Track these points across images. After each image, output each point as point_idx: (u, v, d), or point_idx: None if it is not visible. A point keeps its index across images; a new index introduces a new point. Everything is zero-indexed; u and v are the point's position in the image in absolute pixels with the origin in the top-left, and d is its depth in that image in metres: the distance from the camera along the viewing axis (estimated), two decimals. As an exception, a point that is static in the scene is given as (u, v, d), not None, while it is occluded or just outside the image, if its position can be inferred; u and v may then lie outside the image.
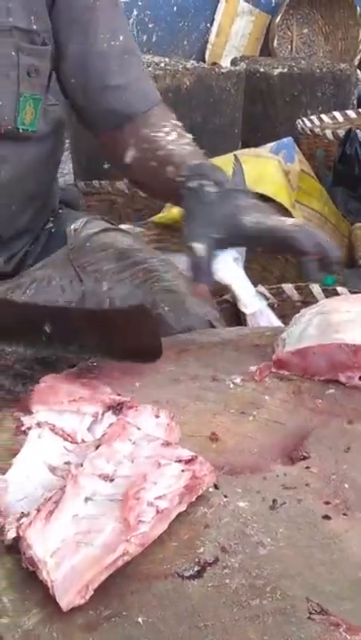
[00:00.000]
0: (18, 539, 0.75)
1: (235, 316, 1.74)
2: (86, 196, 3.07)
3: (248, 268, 1.96)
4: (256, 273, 2.23)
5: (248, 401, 1.00)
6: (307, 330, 1.02)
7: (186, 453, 0.83)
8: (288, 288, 1.88)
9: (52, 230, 1.50)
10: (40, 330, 1.05)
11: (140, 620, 0.70)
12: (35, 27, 1.29)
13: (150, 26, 5.92)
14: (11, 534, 0.75)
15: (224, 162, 1.68)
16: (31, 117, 1.33)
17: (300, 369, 1.03)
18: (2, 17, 1.25)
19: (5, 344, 1.11)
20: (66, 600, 0.69)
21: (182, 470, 0.80)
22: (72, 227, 1.47)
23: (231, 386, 1.03)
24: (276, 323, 1.64)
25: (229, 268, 1.74)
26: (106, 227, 1.48)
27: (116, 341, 1.05)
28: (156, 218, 2.49)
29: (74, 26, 1.33)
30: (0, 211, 1.35)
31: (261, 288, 1.88)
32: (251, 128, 4.13)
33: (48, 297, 1.35)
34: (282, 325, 1.39)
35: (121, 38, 1.37)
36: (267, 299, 1.84)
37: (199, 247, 1.06)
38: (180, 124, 1.36)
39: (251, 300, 1.71)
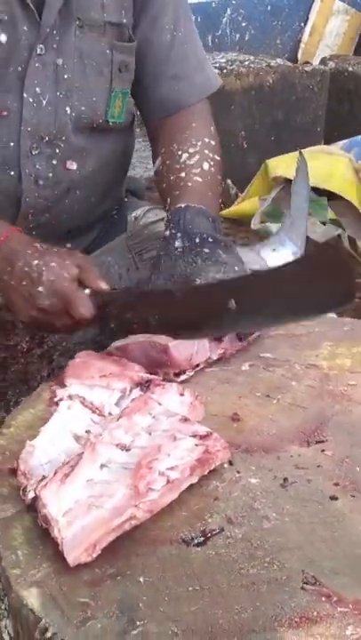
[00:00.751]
0: (36, 498, 0.80)
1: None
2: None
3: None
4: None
5: (275, 385, 1.02)
6: None
7: (202, 429, 0.86)
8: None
9: (115, 217, 1.55)
10: (224, 308, 1.01)
11: (141, 579, 0.74)
12: (124, 20, 1.35)
13: (243, 25, 5.94)
14: (30, 494, 0.81)
15: (293, 158, 1.70)
16: (119, 111, 1.39)
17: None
18: (97, 13, 1.31)
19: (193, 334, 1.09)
20: (73, 556, 0.74)
21: (196, 445, 0.84)
22: (133, 214, 1.52)
23: (261, 370, 1.06)
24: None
25: (288, 261, 1.76)
26: (165, 216, 1.53)
27: (308, 296, 0.98)
28: (224, 212, 2.53)
29: (143, 16, 1.38)
30: (82, 202, 1.41)
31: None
32: (335, 127, 4.10)
33: None
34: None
35: (183, 29, 1.42)
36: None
37: None
38: (213, 141, 1.39)
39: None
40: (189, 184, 1.32)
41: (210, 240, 1.17)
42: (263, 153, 3.41)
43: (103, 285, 1.12)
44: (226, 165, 3.96)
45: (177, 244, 1.17)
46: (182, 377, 1.05)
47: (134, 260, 1.42)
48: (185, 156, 1.36)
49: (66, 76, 1.29)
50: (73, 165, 1.35)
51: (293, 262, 1.06)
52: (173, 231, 1.19)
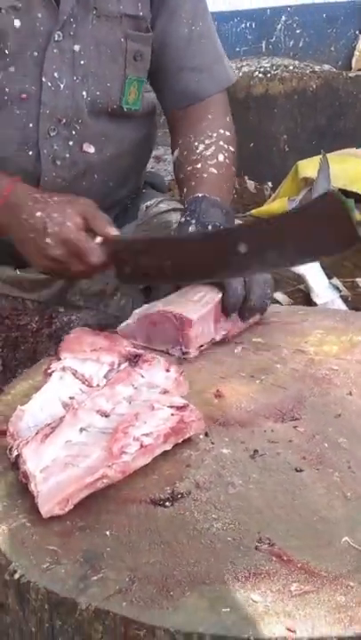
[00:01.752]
0: (19, 456, 0.86)
1: (307, 305, 1.80)
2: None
3: (341, 265, 2.01)
4: (348, 271, 2.26)
5: (261, 367, 1.07)
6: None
7: (179, 401, 0.92)
8: (362, 282, 1.93)
9: (129, 205, 1.61)
10: (235, 252, 1.08)
11: (107, 533, 0.80)
12: (141, 13, 1.41)
13: (298, 32, 5.98)
14: (15, 453, 0.87)
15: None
16: (134, 97, 1.45)
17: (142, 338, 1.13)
18: (113, 5, 1.37)
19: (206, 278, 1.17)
20: (46, 508, 0.80)
21: (172, 414, 0.89)
22: (145, 204, 1.58)
23: (250, 354, 1.11)
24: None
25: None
26: (175, 207, 1.58)
27: (313, 239, 1.05)
28: (254, 211, 2.58)
29: (163, 9, 1.44)
30: (100, 186, 1.47)
31: (336, 280, 1.94)
32: (377, 132, 4.12)
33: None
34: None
35: (201, 23, 1.48)
36: (340, 291, 1.89)
37: None
38: (228, 132, 1.45)
39: (323, 290, 1.77)
40: (205, 175, 1.38)
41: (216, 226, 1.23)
42: (304, 157, 3.44)
43: (112, 231, 1.19)
44: (267, 168, 4.00)
45: (190, 229, 1.23)
46: (189, 355, 1.12)
47: None
48: (201, 147, 1.42)
49: (82, 62, 1.35)
50: (90, 148, 1.41)
51: (298, 210, 1.11)
52: (188, 218, 1.25)
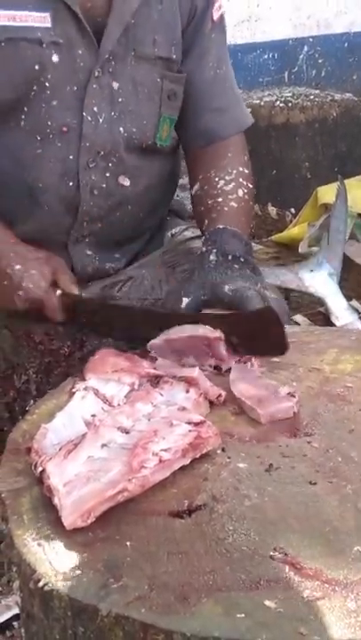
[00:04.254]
0: (43, 471, 0.90)
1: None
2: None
3: (346, 280, 2.05)
4: (353, 287, 2.30)
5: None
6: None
7: (196, 417, 0.95)
8: (382, 304, 1.95)
9: (155, 234, 1.66)
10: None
11: (128, 543, 0.83)
12: (174, 56, 1.48)
13: (320, 61, 6.04)
14: (39, 469, 0.91)
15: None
16: (167, 135, 1.52)
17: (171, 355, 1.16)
18: (149, 47, 1.44)
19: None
20: (70, 521, 0.84)
21: (190, 430, 0.93)
22: (171, 232, 1.63)
23: (267, 373, 1.15)
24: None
25: (324, 282, 1.84)
26: (200, 234, 1.63)
27: (244, 341, 1.17)
28: (274, 237, 2.62)
29: (191, 52, 1.51)
30: (132, 216, 1.54)
31: (355, 302, 1.97)
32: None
33: (138, 294, 1.52)
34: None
35: (224, 68, 1.54)
36: (359, 313, 1.92)
37: (185, 301, 1.25)
38: (246, 170, 1.51)
39: (343, 312, 1.81)
40: (226, 208, 1.43)
41: (241, 259, 1.29)
42: (326, 183, 3.49)
43: (74, 290, 1.33)
44: (289, 194, 4.04)
45: (211, 257, 1.29)
46: (221, 370, 1.16)
47: (166, 273, 1.53)
48: (222, 182, 1.47)
49: (120, 100, 1.41)
50: (125, 181, 1.47)
51: (244, 315, 1.22)
52: (210, 247, 1.31)
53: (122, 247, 1.58)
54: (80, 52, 1.36)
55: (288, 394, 1.05)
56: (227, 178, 1.48)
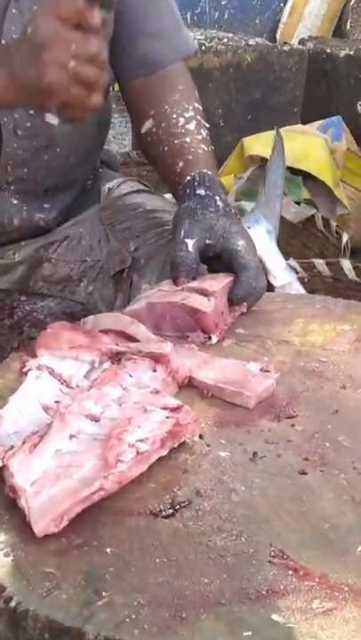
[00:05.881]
0: (3, 468, 0.79)
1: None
2: (141, 166, 3.10)
3: (288, 244, 1.98)
4: (296, 249, 2.24)
5: (248, 360, 1.02)
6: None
7: (172, 402, 0.86)
8: (319, 263, 1.90)
9: (89, 187, 1.53)
10: None
11: (108, 550, 0.74)
12: None
13: (223, 3, 5.91)
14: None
15: (269, 136, 1.68)
16: None
17: (150, 324, 1.07)
18: None
19: None
20: (40, 526, 0.73)
21: (167, 417, 0.83)
22: (107, 186, 1.50)
23: (234, 346, 1.06)
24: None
25: (262, 240, 1.76)
26: (139, 188, 1.51)
27: None
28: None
29: None
30: (60, 160, 1.39)
31: (292, 262, 1.90)
32: (312, 108, 4.10)
33: (76, 256, 1.40)
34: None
35: None
36: (297, 272, 1.86)
37: (191, 243, 1.14)
38: (200, 106, 1.39)
39: (281, 272, 1.73)
40: (200, 151, 1.31)
41: (238, 216, 1.22)
42: (240, 132, 3.39)
43: None
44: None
45: (218, 203, 1.20)
46: (211, 341, 1.07)
47: (106, 231, 1.41)
48: (182, 120, 1.34)
49: None
50: (54, 120, 1.32)
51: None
52: (209, 192, 1.21)
53: (52, 197, 1.44)
54: None
55: (261, 369, 0.97)
56: (185, 115, 1.35)
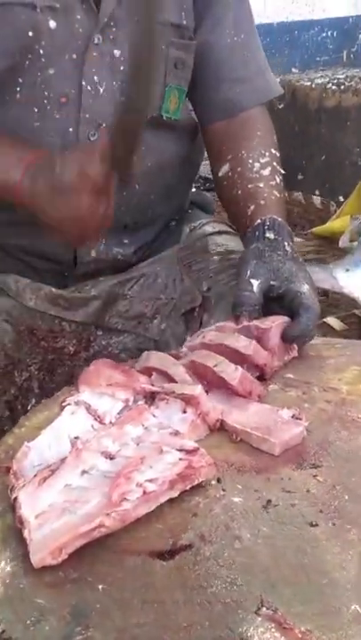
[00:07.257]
0: (16, 499, 0.82)
1: (362, 330, 1.72)
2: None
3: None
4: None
5: (289, 405, 1.01)
6: None
7: (189, 444, 0.86)
8: None
9: (173, 226, 1.56)
10: None
11: (100, 587, 0.75)
12: (185, 22, 1.37)
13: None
14: (14, 494, 0.83)
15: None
16: (174, 107, 1.41)
17: None
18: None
19: None
20: (38, 557, 0.76)
21: (180, 459, 0.84)
22: (190, 225, 1.53)
23: (279, 391, 1.05)
24: None
25: (360, 282, 1.72)
26: (221, 229, 1.53)
27: None
28: (315, 230, 2.50)
29: (206, 19, 1.40)
30: (140, 197, 1.43)
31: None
32: None
33: (151, 293, 1.43)
34: None
35: (243, 35, 1.43)
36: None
37: (256, 284, 1.16)
38: (278, 153, 1.41)
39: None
40: (272, 197, 1.34)
41: (303, 264, 1.23)
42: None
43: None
44: (338, 183, 3.93)
45: (287, 247, 1.22)
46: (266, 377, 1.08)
47: (181, 270, 1.43)
48: (257, 165, 1.37)
49: (122, 68, 1.31)
50: None
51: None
52: (277, 237, 1.24)
53: (131, 233, 1.48)
54: (78, 17, 1.26)
55: (293, 416, 0.95)
56: (261, 161, 1.37)
